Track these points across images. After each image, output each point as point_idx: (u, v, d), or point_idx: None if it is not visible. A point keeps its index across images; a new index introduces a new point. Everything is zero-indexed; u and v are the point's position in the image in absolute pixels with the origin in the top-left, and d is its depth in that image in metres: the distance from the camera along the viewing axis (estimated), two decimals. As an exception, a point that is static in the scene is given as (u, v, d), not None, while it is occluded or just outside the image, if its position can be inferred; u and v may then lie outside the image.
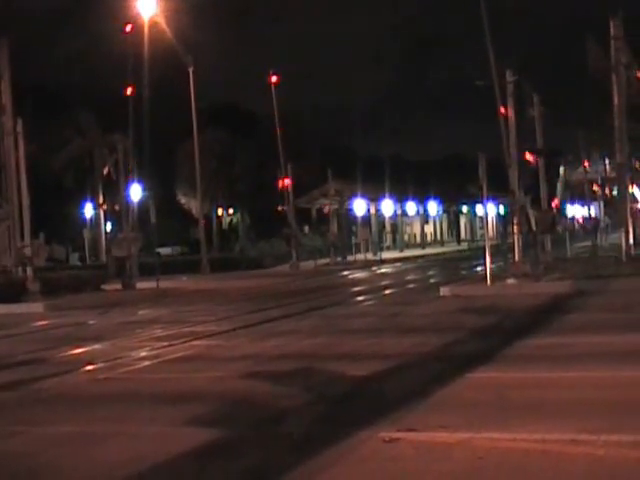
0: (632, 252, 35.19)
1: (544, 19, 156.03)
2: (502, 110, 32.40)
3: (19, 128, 36.60)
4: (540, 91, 40.35)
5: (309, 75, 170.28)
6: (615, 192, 52.06)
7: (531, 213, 35.39)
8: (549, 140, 42.64)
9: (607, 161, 66.39)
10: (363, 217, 76.81)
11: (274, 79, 58.72)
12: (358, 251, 66.61)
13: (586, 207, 77.34)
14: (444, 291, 28.70)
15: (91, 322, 26.64)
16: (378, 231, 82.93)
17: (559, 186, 71.81)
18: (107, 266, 49.77)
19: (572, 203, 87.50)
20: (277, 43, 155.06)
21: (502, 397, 11.05)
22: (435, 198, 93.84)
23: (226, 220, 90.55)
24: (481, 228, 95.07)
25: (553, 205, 50.89)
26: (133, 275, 42.03)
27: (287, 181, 60.07)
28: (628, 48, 36.47)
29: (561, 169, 76.25)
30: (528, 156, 36.89)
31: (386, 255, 68.02)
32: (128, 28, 46.54)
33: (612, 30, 35.29)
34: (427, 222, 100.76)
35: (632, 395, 10.77)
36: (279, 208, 62.42)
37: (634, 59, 37.38)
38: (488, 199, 35.77)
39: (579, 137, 62.76)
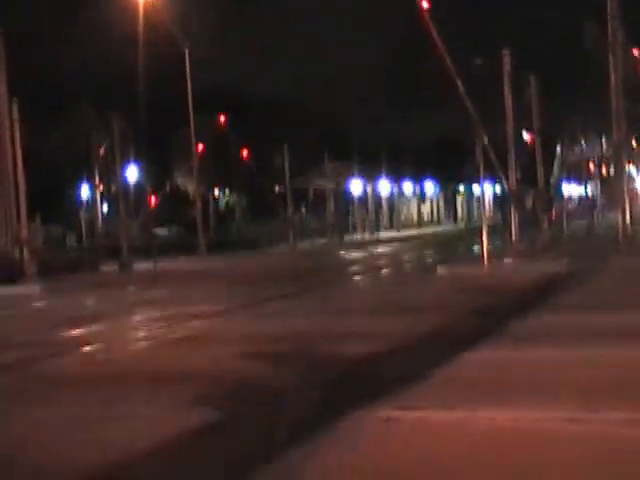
0: (628, 231, 35.22)
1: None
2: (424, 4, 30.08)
3: (15, 113, 36.49)
4: (537, 70, 40.20)
5: (306, 55, 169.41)
6: (612, 171, 51.99)
7: (529, 194, 35.39)
8: (546, 120, 42.51)
9: (604, 140, 66.29)
10: (360, 197, 76.75)
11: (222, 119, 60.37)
12: (355, 231, 66.61)
13: (582, 186, 77.34)
14: (441, 270, 28.71)
15: (88, 303, 26.60)
16: (375, 211, 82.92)
17: (556, 165, 71.71)
18: (97, 248, 49.79)
19: (568, 182, 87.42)
20: (279, 21, 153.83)
21: (501, 376, 11.03)
22: (432, 178, 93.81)
23: (223, 201, 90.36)
24: (478, 208, 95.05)
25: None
26: (128, 256, 41.97)
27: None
28: (625, 27, 36.36)
29: (558, 148, 76.15)
30: (525, 135, 36.77)
31: (383, 235, 68.08)
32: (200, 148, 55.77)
33: (609, 9, 35.16)
34: (424, 202, 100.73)
35: (632, 374, 10.74)
36: (276, 189, 62.60)
37: (630, 38, 37.26)
38: (485, 179, 35.71)
39: (576, 118, 62.59)
